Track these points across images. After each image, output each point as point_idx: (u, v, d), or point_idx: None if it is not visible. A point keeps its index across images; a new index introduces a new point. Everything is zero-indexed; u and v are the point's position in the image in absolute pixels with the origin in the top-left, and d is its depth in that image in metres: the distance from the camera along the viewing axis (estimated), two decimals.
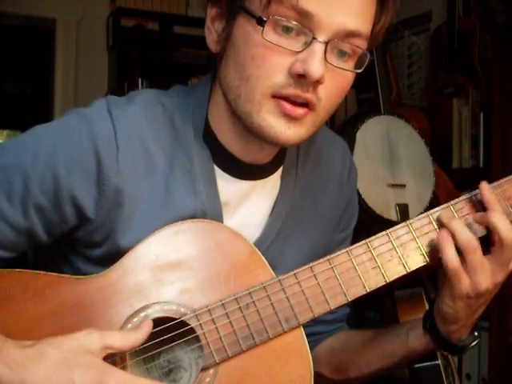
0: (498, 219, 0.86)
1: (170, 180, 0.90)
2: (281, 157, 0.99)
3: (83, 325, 0.82)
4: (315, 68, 0.78)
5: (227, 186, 0.94)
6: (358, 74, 0.86)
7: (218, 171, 0.94)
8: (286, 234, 1.00)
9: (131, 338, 0.80)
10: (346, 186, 1.10)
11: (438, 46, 2.98)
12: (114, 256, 0.88)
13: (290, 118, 0.82)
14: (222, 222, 0.93)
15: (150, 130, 0.89)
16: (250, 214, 0.97)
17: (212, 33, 0.89)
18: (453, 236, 0.86)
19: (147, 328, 0.82)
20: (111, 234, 0.89)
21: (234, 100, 0.85)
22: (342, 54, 0.82)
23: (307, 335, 1.09)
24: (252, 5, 0.81)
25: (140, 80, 3.74)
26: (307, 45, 0.79)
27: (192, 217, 0.90)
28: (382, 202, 2.11)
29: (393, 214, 2.10)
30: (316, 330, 1.10)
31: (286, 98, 0.81)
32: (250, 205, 0.97)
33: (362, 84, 2.88)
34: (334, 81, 0.83)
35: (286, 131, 0.83)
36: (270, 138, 0.84)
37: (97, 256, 0.91)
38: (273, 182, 0.99)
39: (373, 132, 2.19)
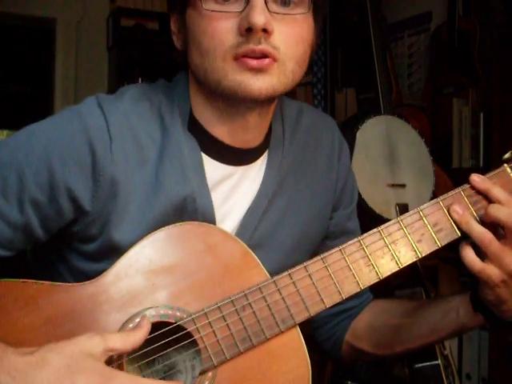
0: (497, 212, 0.89)
1: (160, 171, 0.91)
2: (268, 140, 1.02)
3: (78, 333, 0.81)
4: (257, 17, 0.82)
5: (216, 172, 0.95)
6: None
7: (207, 159, 0.95)
8: (276, 213, 1.01)
9: (131, 339, 0.80)
10: (339, 162, 1.11)
11: (437, 46, 2.98)
12: (107, 250, 0.89)
13: (256, 71, 0.85)
14: (212, 209, 0.94)
15: (139, 123, 0.92)
16: (239, 199, 0.98)
17: (176, 34, 0.96)
18: (467, 233, 0.90)
19: (146, 327, 0.81)
20: (106, 227, 0.89)
21: (203, 76, 0.89)
22: (285, 3, 0.87)
23: (339, 313, 1.13)
24: None
25: (140, 80, 3.74)
26: (247, 2, 0.84)
27: (182, 204, 0.91)
28: (382, 202, 2.11)
29: (393, 214, 2.10)
30: (348, 305, 1.12)
31: (245, 56, 0.85)
32: (239, 190, 0.98)
33: (362, 84, 2.88)
34: (286, 28, 0.87)
35: (256, 82, 0.86)
36: (243, 94, 0.86)
37: (91, 251, 0.91)
38: (259, 165, 1.00)
39: (373, 132, 2.19)
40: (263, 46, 0.84)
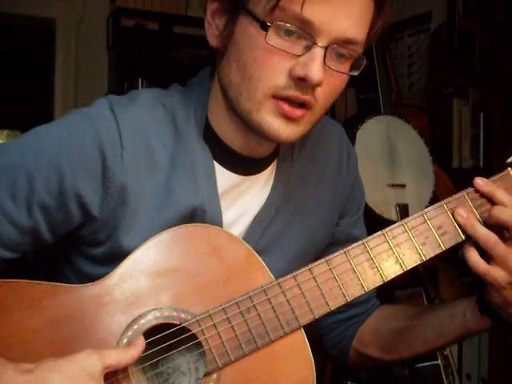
0: (501, 214, 0.88)
1: (171, 178, 0.90)
2: (278, 149, 1.01)
3: (81, 334, 0.82)
4: (315, 73, 0.80)
5: (227, 181, 0.95)
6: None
7: (219, 167, 0.94)
8: (283, 221, 1.01)
9: (127, 356, 0.81)
10: (347, 170, 1.11)
11: (437, 46, 2.98)
12: (115, 255, 0.88)
13: (289, 118, 0.84)
14: (221, 219, 0.94)
15: (152, 129, 0.90)
16: (246, 206, 0.98)
17: (212, 28, 0.89)
18: (472, 236, 0.90)
19: (141, 345, 0.82)
20: (114, 233, 0.88)
21: (234, 97, 0.87)
22: (339, 55, 0.84)
23: (346, 319, 1.13)
24: (255, 7, 0.82)
25: (140, 80, 3.74)
26: (308, 49, 0.81)
27: (192, 213, 0.91)
28: (381, 202, 2.11)
29: (393, 214, 2.10)
30: (353, 313, 1.12)
31: (286, 99, 0.83)
32: (247, 198, 0.98)
33: (362, 84, 2.88)
34: (331, 82, 0.85)
35: (285, 129, 0.85)
36: (270, 136, 0.86)
37: (98, 255, 0.91)
38: (268, 173, 1.00)
39: (373, 132, 2.19)
40: (308, 97, 0.83)
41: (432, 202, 2.17)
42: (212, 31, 0.89)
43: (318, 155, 1.06)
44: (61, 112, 3.81)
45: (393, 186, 2.17)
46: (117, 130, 0.87)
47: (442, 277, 2.47)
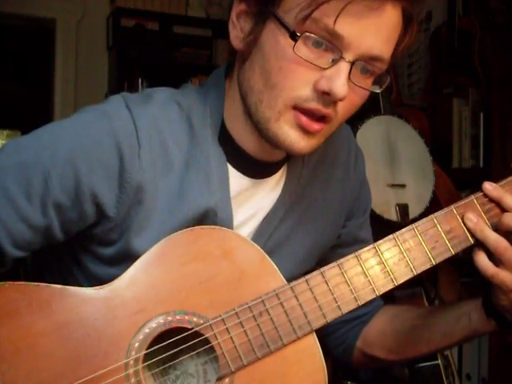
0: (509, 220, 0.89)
1: (184, 179, 0.89)
2: None
3: (92, 338, 0.81)
4: (340, 88, 0.80)
5: (239, 184, 0.95)
6: None
7: (232, 171, 0.94)
8: (291, 222, 1.01)
9: None
10: (355, 171, 1.10)
11: (437, 46, 2.98)
12: (124, 256, 0.87)
13: (306, 132, 0.84)
14: (232, 222, 0.93)
15: (168, 129, 0.89)
16: (256, 207, 0.98)
17: (237, 29, 0.88)
18: (482, 241, 0.90)
19: None
20: (126, 233, 0.88)
21: (254, 103, 0.86)
22: (364, 71, 0.84)
23: (351, 320, 1.13)
24: (286, 15, 0.81)
25: (140, 80, 3.75)
26: (335, 62, 0.80)
27: (203, 216, 0.90)
28: (382, 202, 2.11)
29: (393, 214, 2.10)
30: (358, 313, 1.12)
31: (306, 111, 0.83)
32: (257, 199, 0.97)
33: None
34: (352, 97, 0.84)
35: (300, 142, 0.85)
36: (284, 147, 0.86)
37: (107, 255, 0.90)
38: (279, 175, 1.00)
39: (373, 132, 2.19)
40: (329, 111, 0.83)
41: (432, 202, 2.17)
42: (236, 33, 0.88)
43: (327, 157, 1.06)
44: (61, 112, 3.81)
45: (393, 186, 2.17)
46: (134, 129, 0.85)
47: (441, 277, 2.47)
